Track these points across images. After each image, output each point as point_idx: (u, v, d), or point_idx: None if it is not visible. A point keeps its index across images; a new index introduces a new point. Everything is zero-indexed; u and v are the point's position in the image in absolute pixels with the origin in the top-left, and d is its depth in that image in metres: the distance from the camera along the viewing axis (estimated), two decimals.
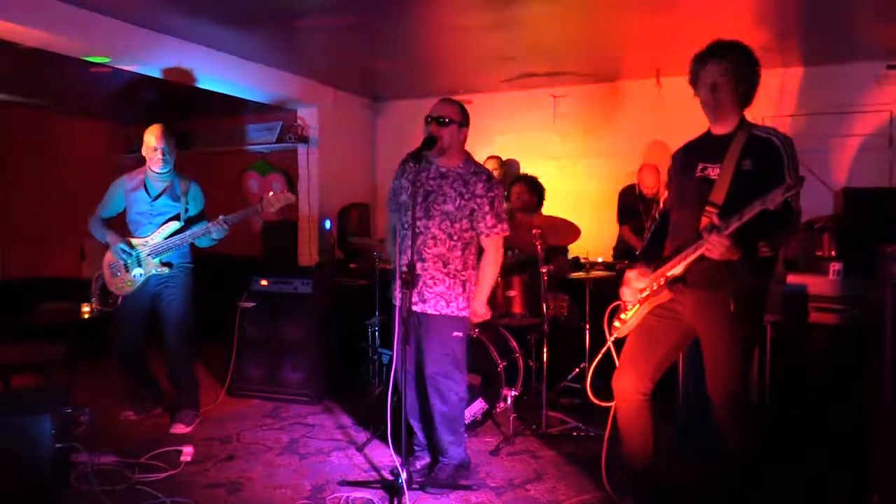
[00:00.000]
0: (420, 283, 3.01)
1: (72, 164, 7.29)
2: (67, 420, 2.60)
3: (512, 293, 4.06)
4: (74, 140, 7.38)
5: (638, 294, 2.62)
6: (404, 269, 2.87)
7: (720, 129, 2.53)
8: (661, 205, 2.76)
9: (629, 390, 2.63)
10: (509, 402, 3.80)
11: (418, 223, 3.00)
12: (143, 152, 3.87)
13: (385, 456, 3.48)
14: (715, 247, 2.27)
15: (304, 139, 6.27)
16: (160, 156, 3.81)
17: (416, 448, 3.31)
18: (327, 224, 6.31)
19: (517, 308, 4.04)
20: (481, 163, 3.29)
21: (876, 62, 4.98)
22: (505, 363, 3.80)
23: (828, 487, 3.02)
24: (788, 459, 3.23)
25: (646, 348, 2.62)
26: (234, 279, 4.71)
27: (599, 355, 2.76)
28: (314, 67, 5.65)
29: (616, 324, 2.71)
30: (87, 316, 5.85)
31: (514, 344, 4.01)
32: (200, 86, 5.14)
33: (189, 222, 3.90)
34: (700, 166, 2.52)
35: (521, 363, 3.98)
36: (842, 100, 5.13)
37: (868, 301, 3.08)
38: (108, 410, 4.12)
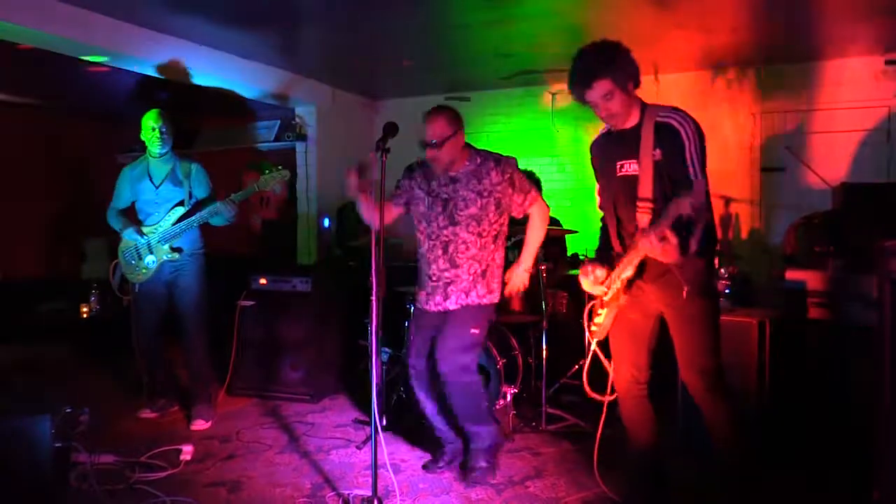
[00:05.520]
0: (446, 286, 3.09)
1: (71, 164, 7.29)
2: (67, 419, 2.59)
3: None
4: (73, 140, 7.37)
5: (599, 287, 2.64)
6: (433, 274, 3.05)
7: (630, 123, 2.52)
8: (599, 199, 2.78)
9: (628, 382, 2.67)
10: (509, 399, 3.80)
11: (445, 231, 3.06)
12: (143, 136, 3.94)
13: (386, 453, 3.48)
14: (652, 248, 2.27)
15: (303, 137, 6.26)
16: (158, 135, 3.90)
17: (443, 441, 3.31)
18: (326, 222, 6.31)
19: (516, 305, 4.04)
20: None
21: (874, 57, 4.98)
22: (504, 360, 3.80)
23: (828, 484, 3.02)
24: (788, 455, 3.23)
25: (629, 342, 2.66)
26: (233, 278, 4.71)
27: (588, 358, 2.77)
28: (312, 66, 5.64)
29: (593, 328, 2.73)
30: (86, 316, 5.86)
31: (514, 341, 4.02)
32: (199, 84, 5.13)
33: (199, 205, 3.93)
34: (619, 164, 2.55)
35: (520, 360, 3.98)
36: (840, 95, 5.13)
37: (867, 296, 3.08)
38: (108, 410, 4.12)
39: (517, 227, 4.75)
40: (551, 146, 6.16)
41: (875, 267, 2.50)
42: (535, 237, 3.18)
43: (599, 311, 2.67)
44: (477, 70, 5.63)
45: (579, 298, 4.45)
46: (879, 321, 2.46)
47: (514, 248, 4.85)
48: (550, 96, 6.09)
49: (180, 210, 3.90)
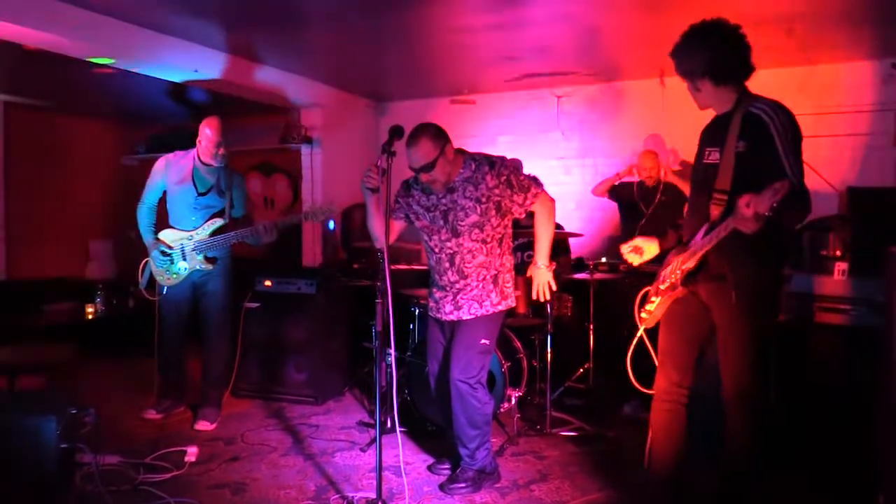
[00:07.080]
0: (455, 293, 3.05)
1: (77, 165, 7.31)
2: (72, 420, 2.59)
3: (516, 293, 4.05)
4: (79, 141, 7.39)
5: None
6: (444, 284, 3.03)
7: (720, 109, 2.48)
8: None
9: (667, 385, 2.57)
10: (513, 402, 3.79)
11: (449, 243, 3.02)
12: (200, 142, 3.86)
13: (390, 456, 3.47)
14: (747, 221, 2.11)
15: (308, 140, 6.27)
16: (222, 151, 3.84)
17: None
18: (331, 225, 6.31)
19: (521, 308, 4.04)
20: None
21: (882, 61, 4.97)
22: (509, 364, 3.80)
23: (833, 488, 3.01)
24: (793, 459, 3.22)
25: (678, 339, 2.56)
26: (238, 280, 4.72)
27: (632, 344, 2.66)
28: (317, 68, 5.65)
29: (643, 315, 2.65)
30: (91, 317, 5.87)
31: (518, 344, 4.01)
32: (205, 87, 5.15)
33: (236, 223, 3.92)
34: (707, 151, 2.48)
35: (524, 363, 3.97)
36: (847, 99, 5.11)
37: (874, 301, 3.07)
38: (113, 411, 4.12)
39: (518, 230, 4.76)
40: (556, 149, 6.16)
41: (882, 271, 2.50)
42: (545, 232, 3.11)
43: (653, 298, 2.57)
44: (482, 73, 5.62)
45: (584, 301, 4.47)
46: (886, 325, 2.45)
47: (517, 251, 4.86)
48: (556, 99, 6.09)
49: (219, 222, 3.87)
